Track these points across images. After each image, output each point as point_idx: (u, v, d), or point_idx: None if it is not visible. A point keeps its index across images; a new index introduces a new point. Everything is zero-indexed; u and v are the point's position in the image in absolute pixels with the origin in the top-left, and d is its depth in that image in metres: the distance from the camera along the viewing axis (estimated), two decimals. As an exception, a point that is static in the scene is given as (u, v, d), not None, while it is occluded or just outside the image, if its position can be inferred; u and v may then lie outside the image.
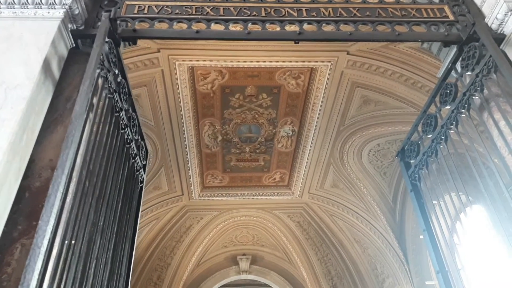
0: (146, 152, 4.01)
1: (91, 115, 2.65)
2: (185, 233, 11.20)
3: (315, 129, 8.62)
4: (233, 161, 10.00)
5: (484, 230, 5.74)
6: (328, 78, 7.40)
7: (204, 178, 10.42)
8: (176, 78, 7.36)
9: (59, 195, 2.08)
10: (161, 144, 8.89)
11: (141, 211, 10.20)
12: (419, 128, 3.87)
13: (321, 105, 7.98)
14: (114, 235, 2.98)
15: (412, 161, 3.99)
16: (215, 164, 10.07)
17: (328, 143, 9.00)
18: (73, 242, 2.29)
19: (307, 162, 9.66)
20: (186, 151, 9.13)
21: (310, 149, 9.24)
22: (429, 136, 3.68)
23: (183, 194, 10.45)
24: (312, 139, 8.96)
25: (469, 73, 3.23)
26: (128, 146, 3.43)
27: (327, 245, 11.46)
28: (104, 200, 2.78)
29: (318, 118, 8.33)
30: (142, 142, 3.84)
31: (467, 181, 3.70)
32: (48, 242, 1.97)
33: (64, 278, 2.17)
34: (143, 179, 3.88)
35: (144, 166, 3.96)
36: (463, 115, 3.22)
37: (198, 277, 11.59)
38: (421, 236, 8.47)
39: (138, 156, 3.69)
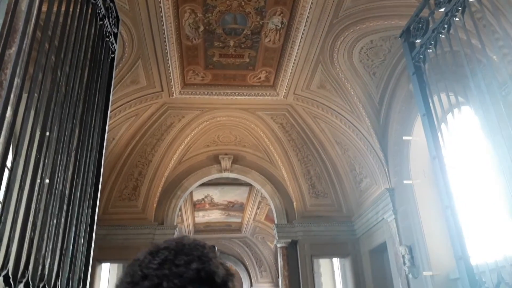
0: (117, 18, 3.45)
1: None
2: (166, 131, 10.96)
3: (306, 21, 7.96)
4: (216, 56, 9.37)
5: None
6: (325, -41, 6.58)
7: (185, 74, 9.86)
8: (152, -50, 6.39)
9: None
10: (138, 32, 8.13)
11: (119, 106, 9.78)
12: (431, 1, 3.40)
13: (315, -8, 7.24)
14: (81, 102, 2.60)
15: (417, 40, 3.59)
16: (197, 59, 9.44)
17: (319, 39, 8.42)
18: (25, 94, 1.90)
19: (295, 59, 9.13)
20: (165, 41, 8.41)
21: (299, 45, 8.66)
22: (442, 9, 3.23)
23: (162, 91, 9.96)
24: (302, 34, 8.33)
25: None
26: (94, 1, 2.87)
27: (308, 147, 11.53)
28: (66, 56, 2.33)
29: (310, 8, 7.63)
30: (111, 4, 3.27)
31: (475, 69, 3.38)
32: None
33: (17, 135, 1.82)
34: (115, 49, 3.39)
35: (116, 34, 3.44)
36: (490, -23, 2.75)
37: (180, 174, 11.69)
38: (404, 138, 8.49)
39: (107, 19, 3.14)
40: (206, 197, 16.17)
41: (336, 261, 13.49)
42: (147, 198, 11.06)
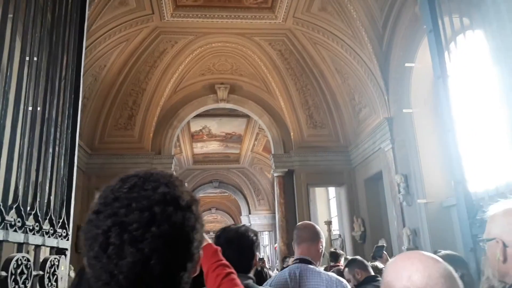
0: None
1: None
2: (159, 57, 10.51)
3: None
4: (209, -26, 8.69)
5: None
6: None
7: (177, -5, 9.20)
8: None
9: None
10: None
11: (109, 30, 9.24)
12: None
13: None
14: (49, 9, 2.31)
15: None
16: (189, -22, 8.76)
17: (321, -46, 7.71)
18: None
19: (294, -22, 8.47)
20: (153, -43, 7.71)
21: (299, -39, 7.96)
22: None
23: (153, 13, 9.37)
24: None
25: None
26: None
27: (307, 75, 11.18)
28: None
29: None
30: None
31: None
32: None
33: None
34: (88, -47, 2.98)
35: None
36: None
37: (176, 104, 11.45)
38: (406, 64, 8.14)
39: None
40: (203, 128, 16.07)
41: (331, 189, 13.81)
42: (143, 128, 10.94)
